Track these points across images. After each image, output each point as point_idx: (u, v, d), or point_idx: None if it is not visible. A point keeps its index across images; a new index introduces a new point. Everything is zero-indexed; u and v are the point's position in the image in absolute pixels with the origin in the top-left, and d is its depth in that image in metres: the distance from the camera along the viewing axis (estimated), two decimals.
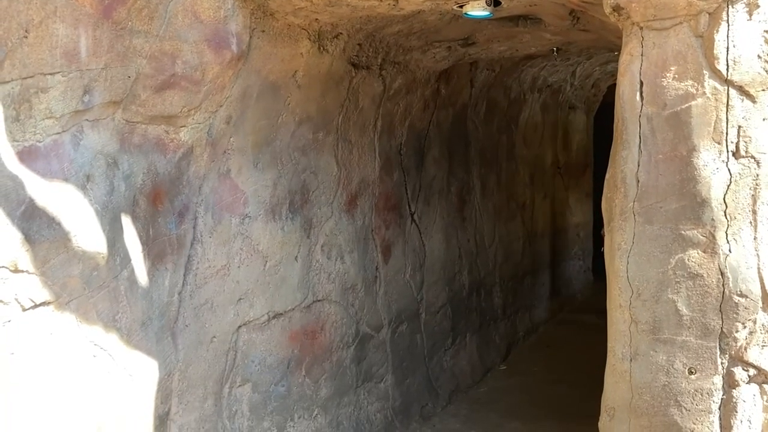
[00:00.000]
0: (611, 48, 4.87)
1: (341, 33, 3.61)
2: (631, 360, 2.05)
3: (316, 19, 3.35)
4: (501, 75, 5.72)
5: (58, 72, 2.25)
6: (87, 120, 2.43)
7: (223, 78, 3.00)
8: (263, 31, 3.16)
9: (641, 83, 2.01)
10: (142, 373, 2.81)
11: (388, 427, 4.34)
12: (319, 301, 3.83)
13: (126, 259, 2.69)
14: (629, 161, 2.04)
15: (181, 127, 2.91)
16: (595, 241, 8.90)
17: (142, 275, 2.79)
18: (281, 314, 3.58)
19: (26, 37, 2.15)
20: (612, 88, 8.96)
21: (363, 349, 4.18)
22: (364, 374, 4.19)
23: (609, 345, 2.21)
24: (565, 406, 4.96)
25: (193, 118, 2.94)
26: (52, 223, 2.32)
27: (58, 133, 2.30)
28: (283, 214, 3.56)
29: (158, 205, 2.88)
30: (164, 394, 2.95)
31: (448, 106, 5.19)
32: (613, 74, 8.50)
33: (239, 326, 3.34)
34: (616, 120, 2.19)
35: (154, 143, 2.81)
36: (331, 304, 3.93)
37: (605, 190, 2.22)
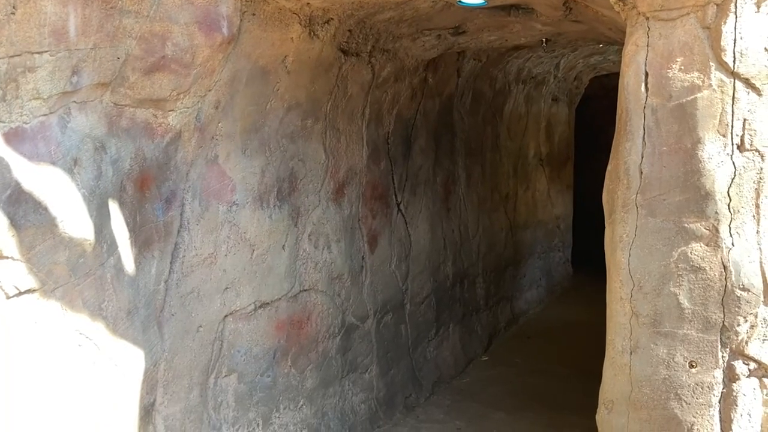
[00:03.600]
0: (600, 40, 4.86)
1: (332, 18, 3.54)
2: (631, 353, 2.03)
3: (308, 3, 3.29)
4: (487, 65, 5.69)
5: (46, 51, 2.16)
6: (75, 102, 2.35)
7: (212, 61, 2.92)
8: (254, 15, 3.08)
9: (646, 74, 1.98)
10: (127, 362, 2.74)
11: (372, 418, 4.31)
12: (305, 290, 3.78)
13: (113, 246, 2.61)
14: (633, 153, 2.02)
15: (170, 111, 2.84)
16: (574, 233, 8.94)
17: (128, 263, 2.71)
18: (268, 304, 3.52)
19: (14, 14, 2.06)
20: (593, 81, 8.99)
21: (348, 340, 4.14)
22: (349, 365, 4.15)
23: (608, 337, 2.20)
24: (548, 397, 4.98)
25: (181, 102, 2.87)
26: (39, 208, 2.24)
27: (45, 115, 2.22)
28: (270, 201, 3.50)
29: (145, 191, 2.81)
30: (150, 384, 2.88)
31: (435, 95, 5.15)
32: (596, 67, 8.53)
33: (225, 315, 3.28)
34: (619, 111, 2.16)
35: (142, 127, 2.74)
36: (318, 294, 3.88)
37: (607, 182, 2.20)
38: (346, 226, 4.12)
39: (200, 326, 3.14)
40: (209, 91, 3.01)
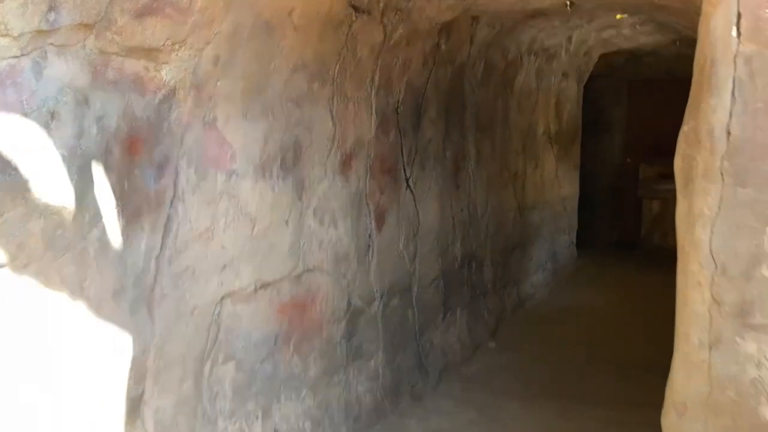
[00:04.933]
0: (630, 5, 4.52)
1: None
2: (710, 348, 1.72)
3: None
4: (501, 34, 5.34)
5: None
6: (52, 44, 1.99)
7: (212, 9, 2.57)
8: None
9: (739, 15, 1.65)
10: (113, 350, 2.41)
11: (378, 409, 4.01)
12: (309, 270, 3.45)
13: (96, 217, 2.27)
14: (718, 111, 1.69)
15: (163, 63, 2.48)
16: (580, 215, 8.66)
17: (115, 236, 2.37)
18: (269, 284, 3.19)
19: None
20: (599, 59, 8.64)
21: (354, 324, 3.82)
22: (354, 351, 3.84)
23: (681, 329, 1.88)
24: (561, 386, 4.70)
25: (177, 54, 2.51)
26: (8, 167, 1.89)
27: (17, 57, 1.86)
28: (274, 172, 3.16)
29: (135, 154, 2.46)
30: (138, 373, 2.55)
31: (447, 63, 4.81)
32: (607, 42, 8.19)
33: (223, 297, 2.95)
34: (699, 62, 1.84)
35: (132, 80, 2.38)
36: (323, 275, 3.55)
37: (681, 146, 1.88)
38: (353, 201, 3.79)
39: (195, 309, 2.81)
40: (208, 44, 2.66)
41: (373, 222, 4.00)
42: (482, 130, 5.50)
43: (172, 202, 2.66)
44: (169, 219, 2.65)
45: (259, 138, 3.06)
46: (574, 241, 8.54)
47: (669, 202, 9.57)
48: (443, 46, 4.61)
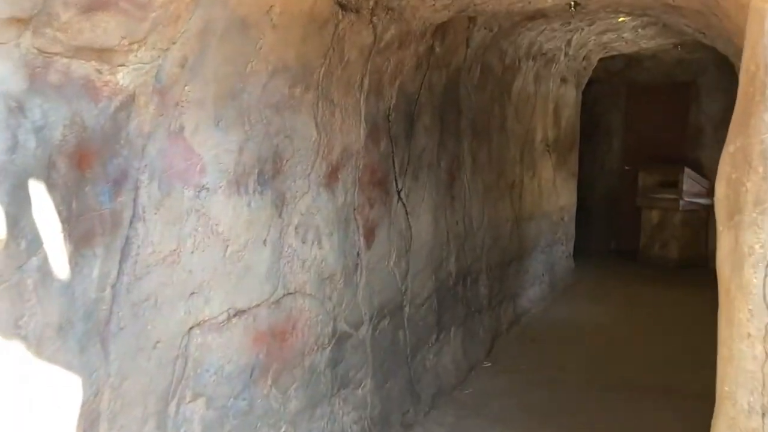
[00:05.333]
0: (639, 5, 4.23)
1: None
2: (764, 415, 1.42)
3: None
4: (498, 37, 5.05)
5: None
6: None
7: (178, 4, 2.26)
8: None
9: None
10: (57, 393, 2.09)
11: None
12: (290, 294, 3.13)
13: (36, 243, 1.95)
14: None
15: (120, 66, 2.17)
16: (576, 225, 8.38)
17: (59, 264, 2.05)
18: (244, 311, 2.87)
19: None
20: (602, 62, 8.35)
21: (340, 351, 3.51)
22: (340, 380, 3.52)
23: (725, 389, 1.58)
24: (562, 413, 4.39)
25: (135, 56, 2.20)
26: None
27: None
28: (250, 186, 2.84)
29: (86, 169, 2.14)
30: (90, 419, 2.23)
31: (442, 67, 4.50)
32: (606, 46, 7.91)
33: (191, 327, 2.63)
34: (748, 69, 1.55)
35: (81, 86, 2.06)
36: (305, 298, 3.23)
37: (726, 169, 1.58)
38: (339, 216, 3.48)
39: (158, 342, 2.48)
40: (173, 43, 2.35)
41: (361, 238, 3.69)
42: (478, 137, 5.20)
43: (131, 222, 2.34)
44: (127, 241, 2.33)
45: (234, 148, 2.74)
46: (572, 252, 8.25)
47: (669, 211, 9.31)
48: (438, 49, 4.31)
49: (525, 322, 6.38)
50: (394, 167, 3.99)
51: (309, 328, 3.26)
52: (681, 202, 8.89)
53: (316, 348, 3.31)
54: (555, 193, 7.36)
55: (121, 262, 2.31)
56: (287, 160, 3.06)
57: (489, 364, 5.33)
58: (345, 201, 3.52)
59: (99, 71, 2.12)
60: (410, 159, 4.18)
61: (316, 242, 3.30)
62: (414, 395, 4.25)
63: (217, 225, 2.70)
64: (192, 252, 2.59)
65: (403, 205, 4.12)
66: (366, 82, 3.63)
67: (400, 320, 4.13)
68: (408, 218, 4.18)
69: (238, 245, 2.80)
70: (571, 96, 7.64)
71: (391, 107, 3.94)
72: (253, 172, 2.85)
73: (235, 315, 2.82)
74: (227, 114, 2.70)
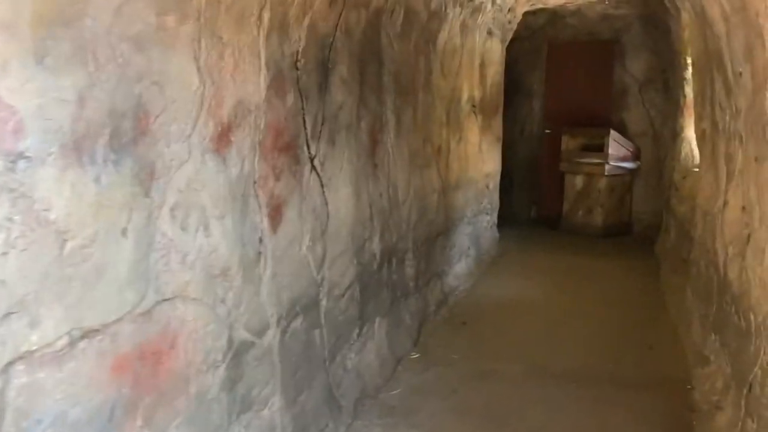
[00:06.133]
0: None
1: None
2: None
3: None
4: None
5: None
6: None
7: None
8: None
9: None
10: None
11: None
12: (167, 300, 2.29)
13: None
14: None
15: None
16: (501, 194, 7.82)
17: None
18: (96, 331, 2.02)
19: None
20: (524, 17, 7.71)
21: (239, 367, 2.70)
22: (240, 403, 2.72)
23: None
24: (507, 414, 3.77)
25: None
26: None
27: None
28: (98, 153, 1.97)
29: None
30: None
31: (360, 6, 3.69)
32: None
33: (10, 363, 1.76)
34: None
35: None
36: (189, 304, 2.40)
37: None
38: (234, 192, 2.64)
39: None
40: None
41: (265, 219, 2.88)
42: (403, 94, 4.44)
43: None
44: None
45: (70, 97, 1.86)
46: (496, 221, 7.69)
47: (593, 176, 8.89)
48: None
49: (453, 302, 5.74)
50: (305, 128, 3.18)
51: (195, 344, 2.44)
52: (606, 167, 8.48)
53: (205, 368, 2.49)
54: (481, 159, 6.73)
55: None
56: (156, 117, 2.19)
57: (417, 355, 4.65)
58: (241, 172, 2.69)
59: None
60: (325, 118, 3.37)
61: (201, 228, 2.46)
62: (334, 405, 3.50)
63: (46, 211, 1.82)
64: (5, 253, 1.72)
65: (318, 175, 3.33)
66: (266, 15, 2.78)
67: (315, 317, 3.36)
68: (324, 191, 3.39)
69: (82, 239, 1.94)
70: (497, 51, 6.99)
71: (300, 52, 3.11)
72: (102, 133, 1.98)
73: (81, 338, 1.97)
74: (57, 47, 1.82)
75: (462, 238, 6.20)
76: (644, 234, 8.96)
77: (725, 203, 3.73)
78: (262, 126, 2.82)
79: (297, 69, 3.09)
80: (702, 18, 4.00)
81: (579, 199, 8.84)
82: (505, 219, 8.43)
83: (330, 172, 3.44)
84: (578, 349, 4.82)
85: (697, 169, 6.16)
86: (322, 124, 3.36)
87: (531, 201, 9.94)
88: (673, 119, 8.10)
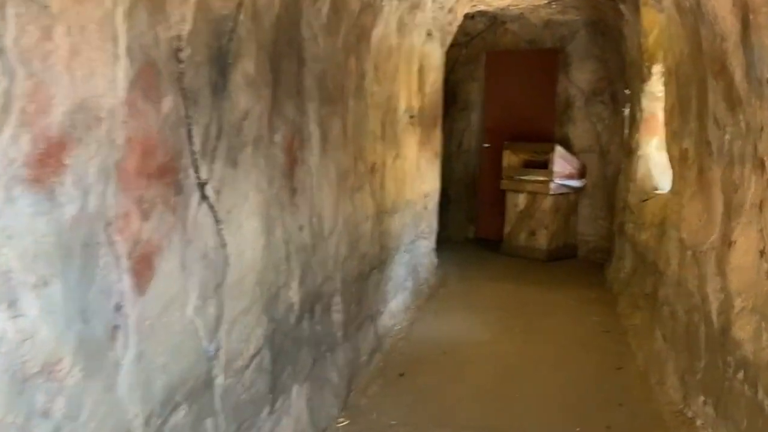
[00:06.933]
0: None
1: None
2: None
3: None
4: None
5: None
6: None
7: None
8: None
9: None
10: None
11: None
12: None
13: None
14: None
15: None
16: (440, 215, 7.04)
17: None
18: None
19: None
20: (464, 20, 6.98)
21: None
22: None
23: None
24: None
25: None
26: None
27: None
28: None
29: None
30: None
31: None
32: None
33: None
34: None
35: None
36: None
37: None
38: (68, 243, 1.72)
39: None
40: None
41: (126, 277, 1.96)
42: (330, 101, 3.58)
43: None
44: None
45: None
46: (434, 246, 6.90)
47: (537, 195, 8.25)
48: None
49: (389, 347, 4.90)
50: (192, 144, 2.28)
51: None
52: (552, 185, 7.82)
53: None
54: (420, 177, 5.93)
55: None
56: None
57: (346, 422, 3.78)
58: (83, 211, 1.77)
59: None
60: (222, 130, 2.48)
61: (9, 304, 1.54)
62: None
63: None
64: None
65: (211, 208, 2.43)
66: None
67: (207, 403, 2.44)
68: (220, 230, 2.50)
69: None
70: (436, 55, 6.22)
71: (184, 37, 2.21)
72: None
73: None
74: None
75: (399, 269, 5.38)
76: (590, 258, 8.36)
77: (729, 242, 3.03)
78: (120, 141, 1.91)
79: (179, 61, 2.20)
80: (693, 15, 3.30)
81: (521, 220, 8.16)
82: (442, 240, 7.65)
83: (229, 203, 2.55)
84: (538, 407, 4.05)
85: (660, 192, 5.53)
86: (218, 138, 2.47)
87: (469, 220, 9.23)
88: (621, 134, 7.53)
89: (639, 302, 5.33)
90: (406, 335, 5.17)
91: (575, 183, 8.10)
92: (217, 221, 2.50)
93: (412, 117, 5.47)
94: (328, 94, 3.57)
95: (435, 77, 6.21)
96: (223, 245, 2.54)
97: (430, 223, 6.56)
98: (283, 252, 3.05)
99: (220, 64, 2.47)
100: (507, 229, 8.30)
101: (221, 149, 2.49)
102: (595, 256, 8.29)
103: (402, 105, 5.18)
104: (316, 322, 3.53)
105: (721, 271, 3.16)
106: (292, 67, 3.13)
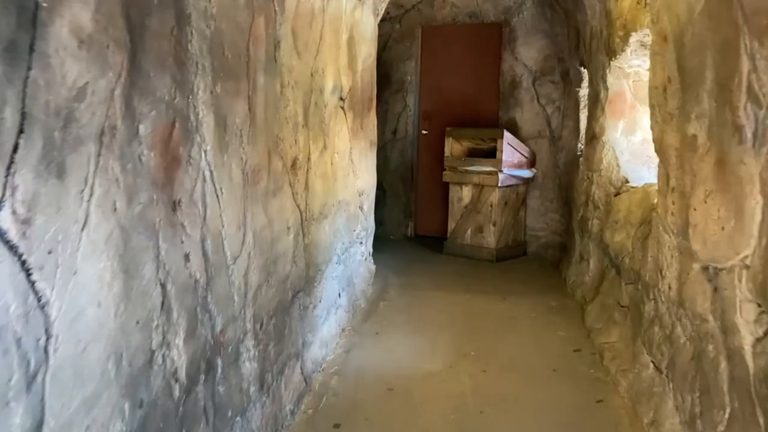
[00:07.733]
0: None
1: None
2: None
3: None
4: None
5: None
6: None
7: None
8: None
9: None
10: None
11: None
12: None
13: None
14: None
15: None
16: (375, 211, 6.12)
17: None
18: None
19: None
20: None
21: None
22: None
23: None
24: None
25: None
26: None
27: None
28: None
29: None
30: None
31: None
32: None
33: None
34: None
35: None
36: None
37: None
38: None
39: None
40: None
41: None
42: (229, 77, 2.58)
43: None
44: None
45: None
46: (371, 250, 5.97)
47: (484, 187, 7.42)
48: None
49: (320, 388, 3.94)
50: None
51: None
52: (500, 176, 6.99)
53: None
54: (353, 172, 4.98)
55: None
56: None
57: None
58: None
59: None
60: (34, 119, 1.47)
61: None
62: None
63: None
64: None
65: (12, 249, 1.42)
66: None
67: None
68: (33, 283, 1.49)
69: None
70: (369, 25, 5.26)
71: None
72: None
73: None
74: None
75: (330, 285, 4.42)
76: (541, 254, 7.60)
77: None
78: None
79: None
80: None
81: (467, 216, 7.31)
82: (378, 239, 6.73)
83: (50, 238, 1.54)
84: None
85: (634, 186, 4.75)
86: (21, 131, 1.46)
87: (407, 216, 8.35)
88: (575, 118, 6.76)
89: (614, 315, 4.53)
90: (341, 368, 4.22)
91: (525, 173, 7.31)
92: (28, 270, 1.49)
93: (341, 99, 4.50)
94: (227, 66, 2.58)
95: (368, 51, 5.25)
96: (42, 306, 1.54)
97: (367, 225, 5.62)
98: (157, 298, 2.05)
99: (24, 12, 1.46)
100: (451, 225, 7.43)
101: (30, 149, 1.48)
102: (546, 253, 7.54)
103: (329, 84, 4.20)
104: (217, 383, 2.54)
105: (762, 297, 2.34)
106: (167, 23, 2.12)
